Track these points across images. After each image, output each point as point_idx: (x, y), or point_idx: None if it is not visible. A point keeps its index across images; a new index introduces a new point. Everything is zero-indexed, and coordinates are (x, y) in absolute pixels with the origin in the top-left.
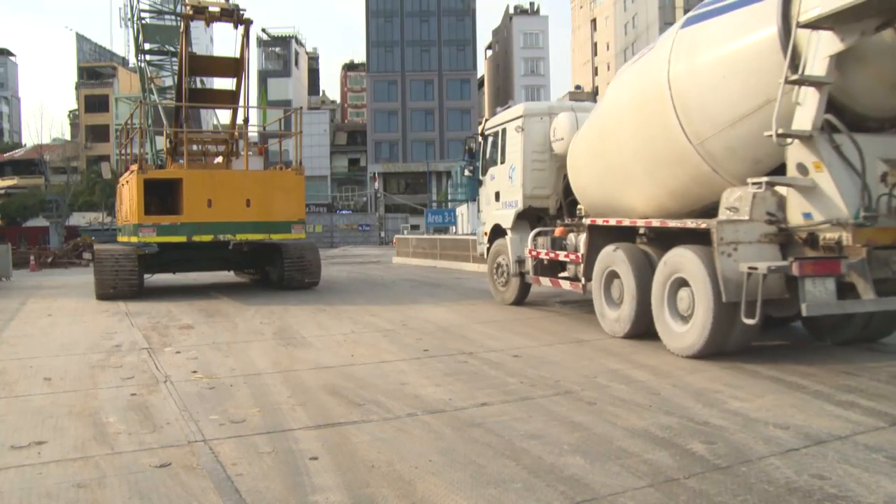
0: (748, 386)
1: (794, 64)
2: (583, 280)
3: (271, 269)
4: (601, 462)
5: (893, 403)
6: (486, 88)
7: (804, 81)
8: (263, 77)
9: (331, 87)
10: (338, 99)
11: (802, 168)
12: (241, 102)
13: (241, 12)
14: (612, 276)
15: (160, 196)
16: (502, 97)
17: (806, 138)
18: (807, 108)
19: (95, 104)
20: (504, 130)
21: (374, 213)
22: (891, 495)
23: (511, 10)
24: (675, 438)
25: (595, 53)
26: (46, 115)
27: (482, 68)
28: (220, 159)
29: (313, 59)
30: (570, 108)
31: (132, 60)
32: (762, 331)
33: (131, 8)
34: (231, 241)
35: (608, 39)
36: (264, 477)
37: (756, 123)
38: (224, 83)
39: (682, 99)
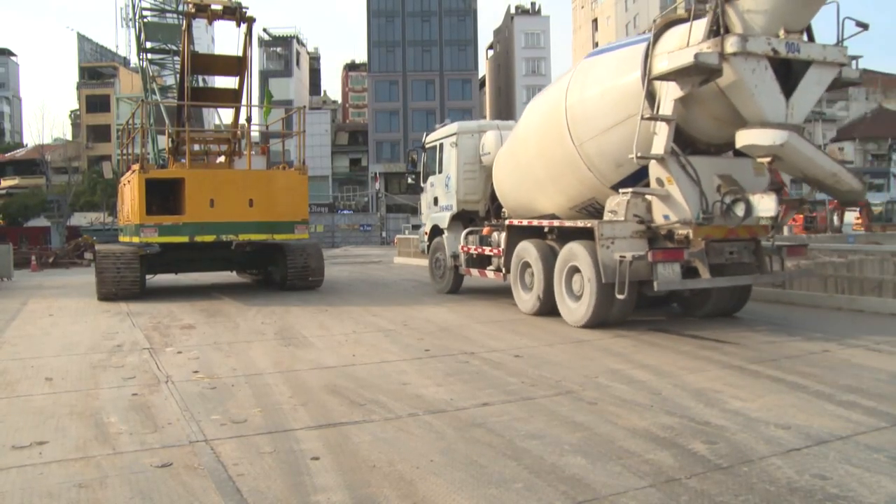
0: (749, 386)
1: (651, 96)
2: (503, 270)
3: (274, 269)
4: (602, 462)
5: (894, 403)
6: (487, 88)
7: (656, 118)
8: (265, 77)
9: (332, 87)
10: (339, 99)
11: (660, 182)
12: (244, 101)
13: (244, 10)
14: (525, 266)
15: (162, 196)
16: (503, 97)
17: (660, 160)
18: (660, 137)
19: (97, 104)
20: (441, 145)
21: (376, 213)
22: (892, 495)
23: (512, 11)
24: (676, 438)
25: None
26: (48, 116)
27: (483, 68)
28: (222, 159)
29: (314, 59)
30: (496, 126)
31: (134, 60)
32: (650, 309)
33: (133, 6)
34: (233, 242)
35: (609, 40)
36: (266, 477)
37: (619, 133)
38: (226, 82)
39: (573, 114)
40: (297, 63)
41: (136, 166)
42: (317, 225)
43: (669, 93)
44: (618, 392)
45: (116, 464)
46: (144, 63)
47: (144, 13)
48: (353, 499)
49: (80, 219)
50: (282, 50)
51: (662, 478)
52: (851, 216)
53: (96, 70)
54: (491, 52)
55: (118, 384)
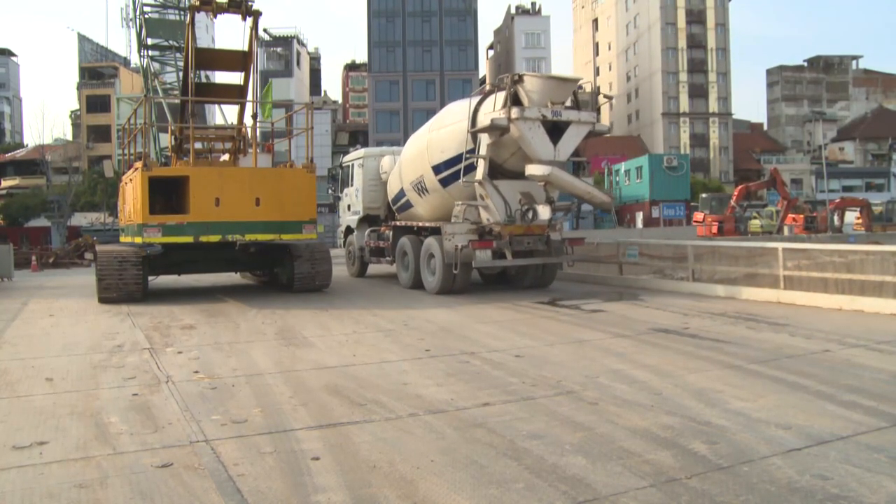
0: (750, 386)
1: (474, 138)
2: (391, 258)
3: (280, 270)
4: (603, 462)
5: (895, 403)
6: (487, 88)
7: (474, 157)
8: (265, 77)
9: (332, 87)
10: (339, 99)
11: (481, 197)
12: (250, 97)
13: (250, 3)
14: (404, 253)
15: (165, 195)
16: None
17: (480, 183)
18: (480, 168)
19: (97, 104)
20: (353, 164)
21: None
22: (893, 495)
23: (512, 11)
24: (676, 438)
25: (597, 53)
26: (48, 116)
27: (484, 68)
28: (225, 157)
29: (315, 60)
30: (392, 152)
31: (135, 58)
32: (489, 284)
33: (134, 4)
34: (238, 242)
35: (610, 39)
36: (266, 477)
37: (447, 130)
38: (230, 78)
39: (430, 131)
40: (298, 63)
41: (138, 164)
42: (318, 225)
43: (484, 139)
44: (618, 392)
45: (117, 464)
46: (146, 61)
47: (146, 10)
48: (354, 499)
49: (80, 219)
50: (282, 50)
51: (663, 478)
52: (852, 216)
53: (97, 70)
54: (491, 53)
55: (119, 384)
